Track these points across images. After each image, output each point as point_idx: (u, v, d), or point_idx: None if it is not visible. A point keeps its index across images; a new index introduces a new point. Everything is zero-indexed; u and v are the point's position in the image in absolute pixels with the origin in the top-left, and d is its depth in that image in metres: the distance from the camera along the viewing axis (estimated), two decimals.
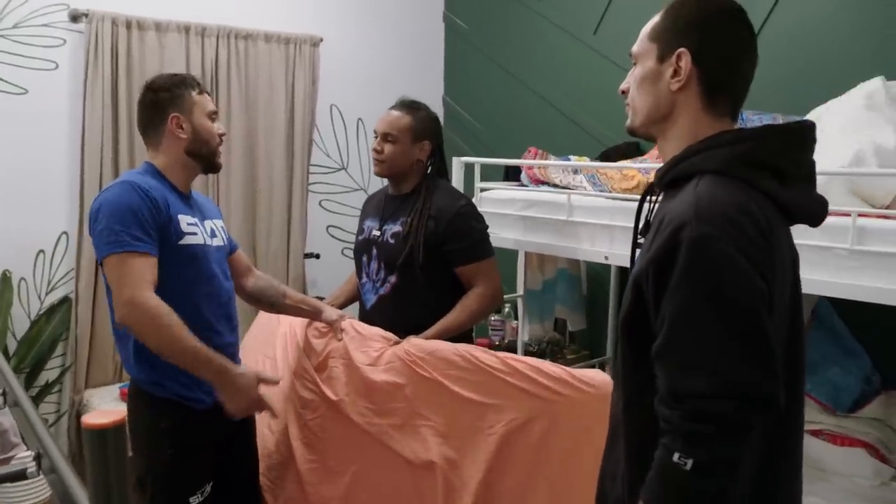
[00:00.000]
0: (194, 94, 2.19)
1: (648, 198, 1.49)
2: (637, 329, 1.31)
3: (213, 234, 2.20)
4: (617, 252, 2.74)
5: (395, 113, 2.64)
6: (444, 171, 2.72)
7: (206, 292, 2.12)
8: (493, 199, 3.28)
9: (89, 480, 0.76)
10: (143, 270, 1.93)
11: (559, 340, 3.91)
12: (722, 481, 1.18)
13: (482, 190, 3.32)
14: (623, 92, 1.46)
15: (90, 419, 0.73)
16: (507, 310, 3.91)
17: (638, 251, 1.42)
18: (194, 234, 2.10)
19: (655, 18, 1.40)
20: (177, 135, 2.16)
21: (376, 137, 2.64)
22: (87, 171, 3.81)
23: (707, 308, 1.17)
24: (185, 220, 2.09)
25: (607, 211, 2.79)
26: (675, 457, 1.17)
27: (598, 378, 2.06)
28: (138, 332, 1.94)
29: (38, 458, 0.99)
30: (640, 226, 1.48)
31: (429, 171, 2.66)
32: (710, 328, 1.17)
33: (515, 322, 3.89)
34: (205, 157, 2.22)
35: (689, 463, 1.16)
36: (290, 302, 2.53)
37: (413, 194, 2.64)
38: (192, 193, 2.23)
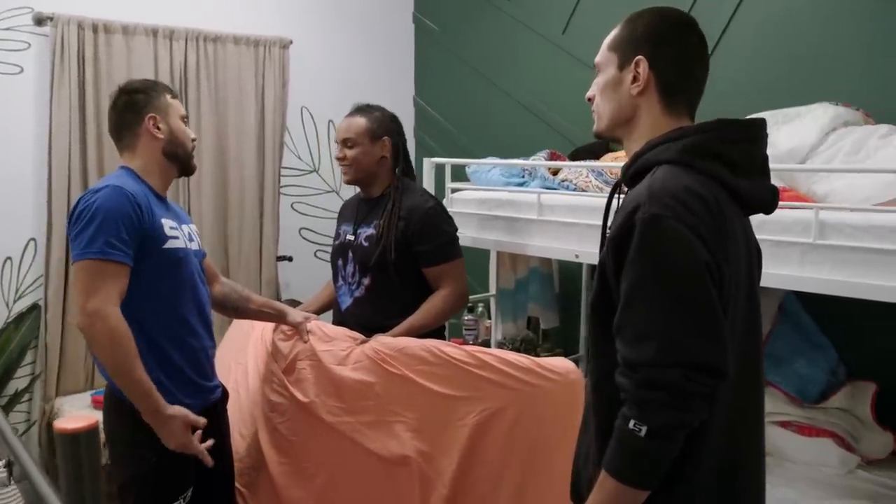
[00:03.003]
0: (168, 97, 2.21)
1: (616, 194, 1.55)
2: (603, 312, 1.39)
3: (191, 238, 2.21)
4: (587, 250, 2.78)
5: (352, 118, 2.68)
6: (410, 172, 2.74)
7: (188, 296, 2.13)
8: (465, 200, 3.30)
9: (63, 486, 0.75)
10: (115, 281, 1.93)
11: (532, 338, 3.94)
12: (676, 446, 1.27)
13: (453, 191, 3.34)
14: (589, 99, 1.56)
15: (63, 424, 0.74)
16: (480, 309, 3.88)
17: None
18: (177, 237, 2.11)
19: (615, 31, 1.52)
20: (154, 135, 2.16)
21: (339, 146, 2.68)
22: (55, 177, 3.79)
23: (656, 281, 1.26)
24: (167, 224, 2.09)
25: (576, 209, 2.82)
26: (631, 423, 1.26)
27: (564, 366, 2.12)
28: (94, 344, 1.94)
29: (9, 465, 0.97)
30: (609, 220, 1.54)
31: (396, 172, 2.69)
32: (659, 300, 1.26)
33: (489, 321, 3.91)
34: (181, 159, 2.22)
35: (644, 429, 1.25)
36: (254, 306, 2.54)
37: (384, 197, 2.67)
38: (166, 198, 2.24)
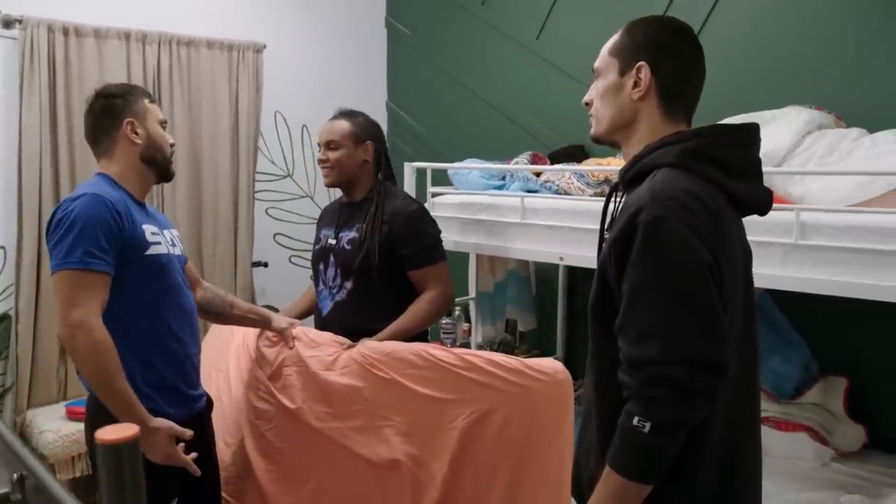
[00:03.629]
0: (146, 102, 2.19)
1: (614, 197, 1.57)
2: (603, 311, 1.42)
3: (173, 244, 2.19)
4: (571, 252, 2.80)
5: (335, 121, 2.69)
6: (391, 177, 2.75)
7: (172, 302, 2.11)
8: (446, 204, 3.31)
9: (104, 499, 0.73)
10: (97, 292, 1.91)
11: (510, 341, 3.95)
12: (678, 442, 1.30)
13: (434, 195, 3.34)
14: (587, 104, 1.59)
15: (104, 435, 0.72)
16: (457, 312, 3.90)
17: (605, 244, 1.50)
18: (159, 243, 2.08)
19: (615, 37, 1.55)
20: (132, 140, 2.14)
21: (320, 149, 2.68)
22: (24, 183, 3.74)
23: (658, 281, 1.30)
24: (149, 230, 2.06)
25: (560, 212, 2.84)
26: (635, 420, 1.29)
27: (552, 366, 2.10)
28: (77, 357, 1.91)
29: (21, 480, 0.93)
30: (607, 222, 1.56)
31: (379, 176, 2.70)
32: (661, 299, 1.29)
33: (467, 324, 3.92)
34: (159, 164, 2.19)
35: (648, 426, 1.28)
36: (238, 312, 2.52)
37: (366, 201, 2.67)
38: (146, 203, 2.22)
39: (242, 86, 4.40)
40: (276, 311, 2.92)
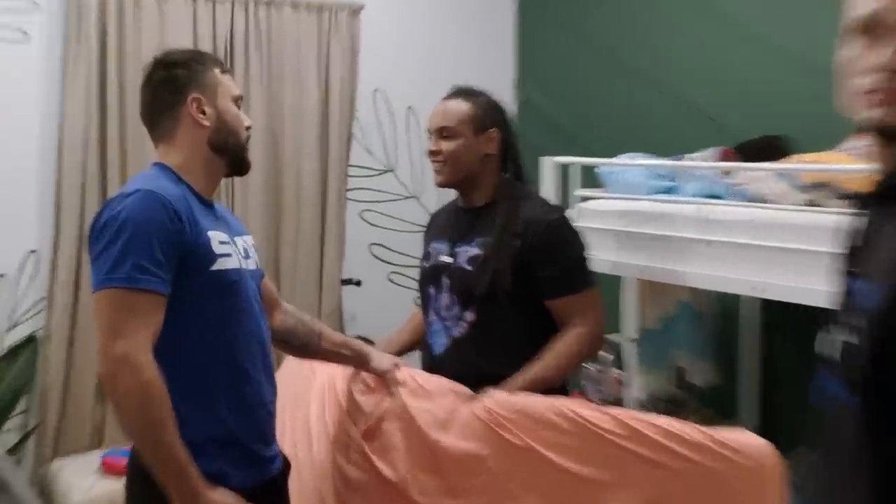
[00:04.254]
0: (217, 72, 2.19)
1: (865, 210, 1.40)
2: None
3: (246, 255, 2.20)
4: (770, 281, 2.72)
5: (450, 102, 2.70)
6: (521, 175, 2.75)
7: (243, 331, 2.12)
8: (597, 212, 3.26)
9: None
10: (147, 318, 1.92)
11: (681, 398, 3.84)
12: None
13: (582, 199, 3.29)
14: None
15: None
16: (608, 356, 3.84)
17: (860, 282, 1.33)
18: (228, 255, 2.10)
19: None
20: (198, 121, 2.14)
21: (430, 138, 2.70)
22: (65, 174, 3.81)
23: None
24: (216, 238, 2.08)
25: (758, 226, 2.77)
26: None
27: (753, 443, 2.06)
28: (119, 402, 1.91)
29: None
30: (855, 246, 1.40)
31: (506, 174, 2.69)
32: None
33: (620, 372, 3.87)
34: (232, 152, 2.20)
35: None
36: (327, 345, 2.51)
37: (491, 206, 2.67)
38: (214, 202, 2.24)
39: (335, 57, 4.43)
40: (372, 343, 2.95)
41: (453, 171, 2.67)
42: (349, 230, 4.62)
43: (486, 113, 2.67)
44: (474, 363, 2.56)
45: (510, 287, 2.53)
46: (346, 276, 4.62)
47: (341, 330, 4.47)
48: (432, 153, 2.68)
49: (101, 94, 3.86)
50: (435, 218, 2.92)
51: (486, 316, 2.57)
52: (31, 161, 3.87)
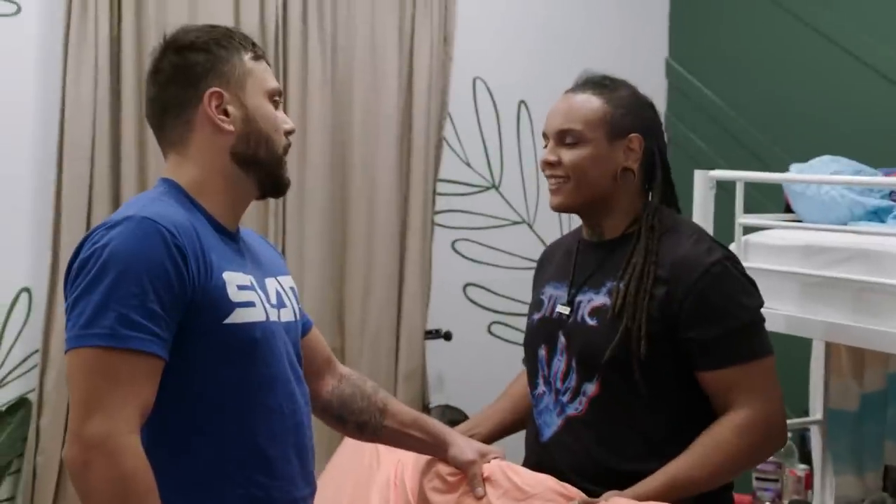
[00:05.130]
0: (247, 58, 2.15)
1: None
2: None
3: (279, 303, 2.18)
4: None
5: (576, 97, 2.62)
6: (673, 198, 2.67)
7: (268, 406, 2.08)
8: (770, 247, 3.22)
9: None
10: (134, 387, 1.88)
11: None
12: None
13: (748, 230, 3.24)
14: None
15: None
16: (785, 444, 3.46)
17: None
18: (250, 304, 2.06)
19: None
20: (218, 124, 2.09)
21: (546, 143, 2.64)
22: (66, 189, 3.82)
23: None
24: (234, 281, 2.05)
25: None
26: None
27: None
28: (88, 496, 1.87)
29: None
30: None
31: (650, 196, 2.62)
32: None
33: (805, 468, 3.70)
34: (263, 167, 2.15)
35: None
36: (392, 424, 2.49)
37: (627, 239, 2.58)
38: (240, 232, 2.21)
39: (421, 34, 4.46)
40: (462, 418, 2.98)
41: (577, 191, 2.56)
42: (437, 266, 4.61)
43: (627, 112, 2.58)
44: (594, 454, 2.49)
45: (647, 353, 2.43)
46: (431, 328, 4.60)
47: (424, 398, 4.48)
48: (549, 164, 2.59)
49: (113, 85, 3.88)
50: (550, 254, 2.86)
51: (614, 390, 2.49)
52: (23, 172, 3.88)
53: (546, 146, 2.61)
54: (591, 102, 2.55)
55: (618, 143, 2.53)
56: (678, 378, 2.47)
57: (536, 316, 2.69)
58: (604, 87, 2.59)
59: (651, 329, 2.42)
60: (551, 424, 2.57)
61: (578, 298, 2.57)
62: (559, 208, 2.62)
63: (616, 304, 2.46)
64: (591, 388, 2.49)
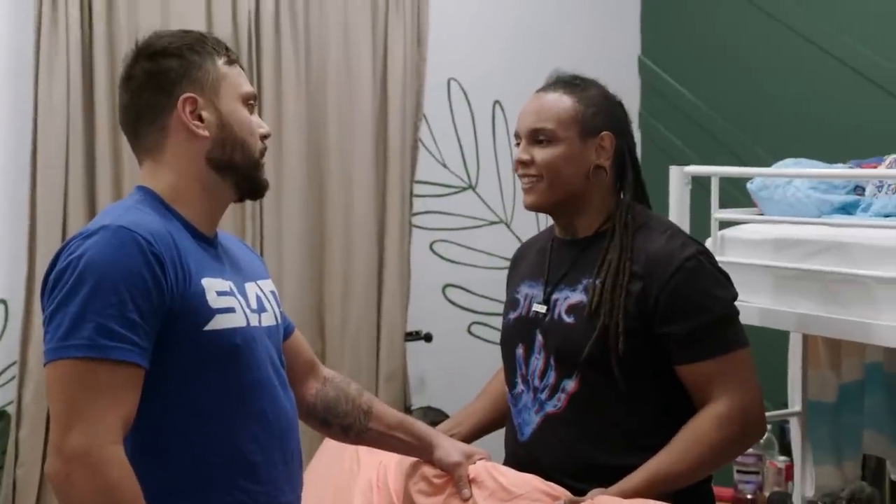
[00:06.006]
0: (220, 63, 2.15)
1: None
2: None
3: (260, 307, 2.17)
4: None
5: (547, 96, 2.64)
6: (643, 195, 2.70)
7: (251, 411, 2.08)
8: (745, 241, 3.22)
9: None
10: (116, 397, 1.88)
11: (871, 496, 3.67)
12: None
13: (723, 224, 3.24)
14: None
15: None
16: (765, 436, 3.49)
17: None
18: (230, 309, 2.06)
19: None
20: (193, 130, 2.09)
21: (518, 143, 2.65)
22: (41, 200, 3.82)
23: None
24: (213, 287, 2.05)
25: None
26: None
27: None
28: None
29: None
30: None
31: (622, 194, 2.64)
32: None
33: (785, 460, 3.74)
34: (240, 170, 2.15)
35: None
36: (377, 427, 2.49)
37: (601, 236, 2.60)
38: (218, 236, 2.20)
39: (394, 36, 4.47)
40: (443, 418, 3.03)
41: (550, 189, 2.57)
42: (416, 268, 4.62)
43: (598, 111, 2.59)
44: (574, 450, 2.50)
45: (626, 348, 2.45)
46: (411, 329, 4.60)
47: (405, 399, 4.48)
48: (522, 164, 2.59)
49: (86, 94, 3.88)
50: (523, 252, 2.87)
51: (593, 386, 2.50)
52: None
53: (518, 145, 2.63)
54: (562, 101, 2.57)
55: (590, 142, 2.55)
56: (656, 372, 2.48)
57: (512, 315, 2.71)
58: (574, 86, 2.61)
59: (628, 325, 2.43)
60: (530, 423, 2.58)
61: (555, 296, 2.58)
62: (533, 207, 2.64)
63: (593, 301, 2.47)
64: (570, 385, 2.50)
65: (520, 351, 2.63)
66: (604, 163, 2.56)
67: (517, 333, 2.66)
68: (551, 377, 2.54)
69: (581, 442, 2.48)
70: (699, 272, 2.48)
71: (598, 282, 2.49)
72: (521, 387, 2.62)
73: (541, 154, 2.54)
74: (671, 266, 2.45)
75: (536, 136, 2.55)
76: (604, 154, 2.56)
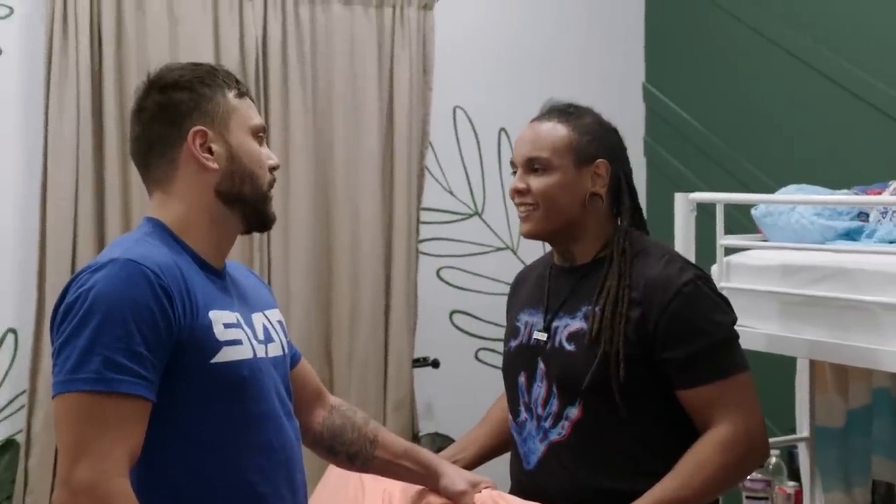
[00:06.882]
0: (230, 96, 2.17)
1: None
2: None
3: (267, 338, 2.18)
4: None
5: (543, 125, 2.66)
6: (640, 220, 2.72)
7: (258, 443, 2.09)
8: (750, 267, 3.19)
9: None
10: (123, 430, 1.88)
11: None
12: None
13: (728, 251, 3.23)
14: None
15: None
16: (774, 461, 3.64)
17: None
18: (237, 342, 2.07)
19: None
20: (203, 163, 2.10)
21: (514, 172, 2.67)
22: (51, 230, 3.83)
23: None
24: (220, 320, 2.06)
25: None
26: None
27: None
28: None
29: None
30: None
31: (619, 220, 2.65)
32: None
33: (794, 485, 3.71)
34: (248, 203, 2.16)
35: None
36: (384, 455, 2.49)
37: (598, 263, 2.60)
38: (227, 266, 2.22)
39: (400, 65, 4.46)
40: (451, 444, 3.02)
41: (547, 218, 2.59)
42: (423, 294, 4.61)
43: (593, 139, 2.61)
44: (579, 477, 2.50)
45: (627, 375, 2.46)
46: (419, 356, 4.60)
47: (413, 426, 4.47)
48: (518, 192, 2.61)
49: (96, 123, 3.90)
50: (522, 279, 2.89)
51: (596, 413, 2.51)
52: (7, 212, 3.90)
53: (515, 173, 2.64)
54: (557, 130, 2.58)
55: (585, 170, 2.56)
56: (659, 397, 2.49)
57: (513, 343, 2.72)
58: (569, 114, 2.62)
59: (628, 351, 2.44)
60: (535, 451, 2.59)
61: (555, 324, 2.60)
62: (529, 236, 2.64)
63: (593, 329, 2.49)
64: (573, 413, 2.51)
65: (522, 379, 2.65)
66: (599, 190, 2.58)
67: (519, 361, 2.67)
68: (554, 405, 2.55)
69: (586, 469, 2.49)
70: (697, 297, 2.49)
71: (597, 309, 2.50)
72: (524, 415, 2.63)
73: (536, 183, 2.56)
74: (669, 292, 2.46)
75: (532, 165, 2.57)
76: (599, 181, 2.58)
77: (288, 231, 4.23)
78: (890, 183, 3.20)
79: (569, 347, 2.54)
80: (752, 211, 3.34)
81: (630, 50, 5.10)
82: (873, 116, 4.11)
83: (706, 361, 2.46)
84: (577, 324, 2.55)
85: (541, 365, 2.59)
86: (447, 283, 4.74)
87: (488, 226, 4.79)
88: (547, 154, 2.56)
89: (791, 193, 3.29)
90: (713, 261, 3.16)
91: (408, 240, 4.46)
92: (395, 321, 4.45)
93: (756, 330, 3.04)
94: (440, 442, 4.15)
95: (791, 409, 3.74)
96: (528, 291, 2.77)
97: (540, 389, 2.59)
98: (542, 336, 2.61)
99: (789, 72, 4.44)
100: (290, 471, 2.14)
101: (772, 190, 3.67)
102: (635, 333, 2.45)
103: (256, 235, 4.12)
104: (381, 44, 4.39)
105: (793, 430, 3.70)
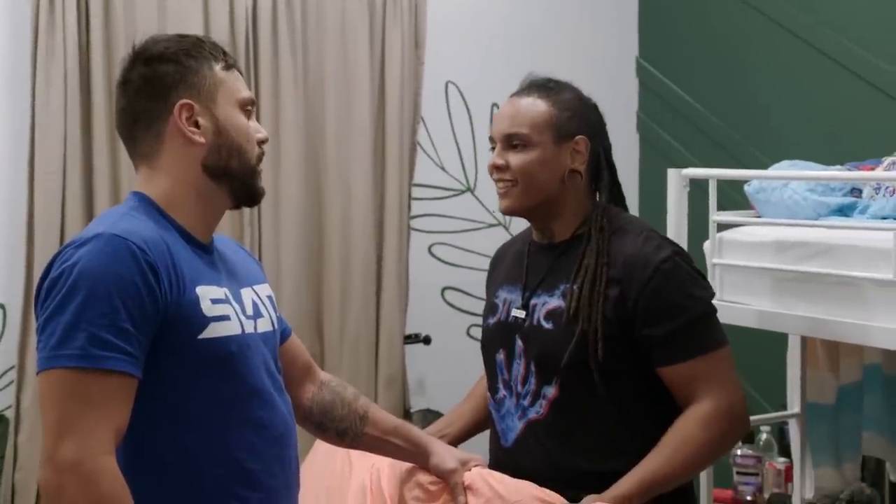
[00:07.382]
0: (217, 68, 2.14)
1: None
2: None
3: (256, 313, 2.17)
4: None
5: (522, 101, 2.66)
6: (619, 197, 2.73)
7: (247, 419, 2.08)
8: (743, 244, 3.18)
9: None
10: (109, 408, 1.87)
11: (871, 498, 3.63)
12: None
13: (721, 227, 3.20)
14: None
15: None
16: (765, 437, 3.74)
17: None
18: (225, 317, 2.06)
19: None
20: (189, 136, 2.08)
21: (493, 147, 2.67)
22: (38, 206, 3.84)
23: None
24: (208, 296, 2.05)
25: None
26: None
27: None
28: None
29: None
30: None
31: (597, 197, 2.65)
32: None
33: (785, 461, 3.72)
34: (236, 178, 2.14)
35: None
36: (374, 432, 2.48)
37: (577, 240, 2.61)
38: (214, 242, 2.20)
39: (392, 38, 4.47)
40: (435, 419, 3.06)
41: (526, 194, 2.59)
42: (414, 270, 4.62)
43: (573, 115, 2.60)
44: (556, 456, 2.51)
45: (605, 353, 2.46)
46: (410, 332, 4.60)
47: (405, 403, 4.48)
48: (496, 168, 2.61)
49: (84, 99, 3.89)
50: (500, 256, 2.88)
51: (574, 392, 2.51)
52: None
53: (493, 149, 2.64)
54: (536, 106, 2.59)
55: (564, 146, 2.56)
56: (637, 376, 2.50)
57: (492, 320, 2.73)
58: (549, 89, 2.62)
59: (607, 330, 2.45)
60: (513, 429, 2.60)
61: (533, 301, 2.60)
62: (508, 212, 2.65)
63: (571, 307, 2.49)
64: (550, 391, 2.52)
65: (501, 356, 2.65)
66: (579, 167, 2.58)
67: (497, 338, 2.68)
68: (532, 383, 2.56)
69: (563, 448, 2.50)
70: (676, 273, 2.50)
71: (575, 287, 2.50)
72: (503, 392, 2.64)
73: (515, 159, 2.56)
74: (648, 269, 2.47)
75: (511, 141, 2.57)
76: (578, 158, 2.58)
77: (278, 205, 4.24)
78: (883, 159, 3.19)
79: (547, 325, 2.55)
80: (745, 187, 3.34)
81: (624, 24, 5.10)
82: (866, 92, 4.13)
83: (686, 337, 2.47)
84: (555, 301, 2.55)
85: (519, 343, 2.61)
86: (439, 259, 4.75)
87: (480, 202, 4.79)
88: (526, 130, 2.56)
89: (784, 169, 3.29)
90: (706, 237, 3.17)
91: (399, 216, 4.48)
92: (386, 297, 4.47)
93: (748, 306, 3.05)
94: (431, 418, 4.14)
95: (782, 385, 3.74)
96: (507, 268, 2.78)
97: (519, 367, 2.60)
98: (521, 313, 2.62)
99: (782, 47, 4.46)
100: (283, 447, 2.14)
101: (765, 166, 3.66)
102: (613, 312, 2.46)
103: (247, 210, 4.09)
104: (372, 16, 4.39)
105: (784, 407, 3.71)
